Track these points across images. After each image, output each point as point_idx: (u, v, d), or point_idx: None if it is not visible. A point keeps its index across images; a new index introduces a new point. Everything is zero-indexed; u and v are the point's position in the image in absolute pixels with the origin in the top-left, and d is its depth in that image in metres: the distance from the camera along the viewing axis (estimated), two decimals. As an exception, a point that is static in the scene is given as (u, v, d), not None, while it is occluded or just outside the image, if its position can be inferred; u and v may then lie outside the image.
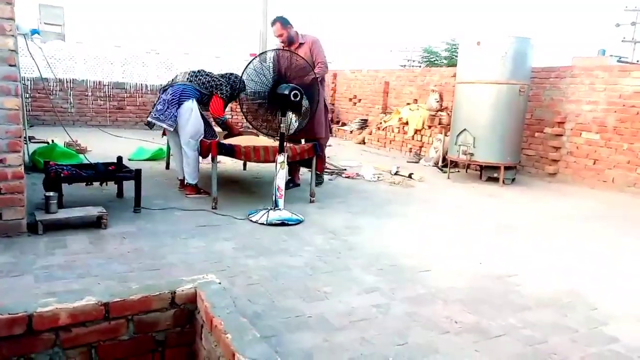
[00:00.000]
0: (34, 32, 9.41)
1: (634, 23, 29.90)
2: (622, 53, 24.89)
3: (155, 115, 4.42)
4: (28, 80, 8.71)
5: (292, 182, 5.11)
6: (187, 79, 4.45)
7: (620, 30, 30.75)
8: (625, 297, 2.80)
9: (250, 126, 4.46)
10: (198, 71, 4.55)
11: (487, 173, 6.34)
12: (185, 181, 4.55)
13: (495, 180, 6.16)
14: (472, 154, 6.11)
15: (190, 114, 4.31)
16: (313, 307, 2.42)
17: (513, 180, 6.29)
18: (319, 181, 5.25)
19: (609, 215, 4.83)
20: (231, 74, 4.69)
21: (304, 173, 5.28)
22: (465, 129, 6.19)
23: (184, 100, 4.32)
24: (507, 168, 6.15)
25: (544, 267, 3.24)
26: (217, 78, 4.53)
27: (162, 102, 4.39)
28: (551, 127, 6.79)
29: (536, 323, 2.40)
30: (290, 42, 4.97)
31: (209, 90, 4.44)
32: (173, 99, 4.32)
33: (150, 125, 4.54)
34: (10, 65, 2.98)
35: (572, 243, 3.81)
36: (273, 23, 4.97)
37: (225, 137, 4.86)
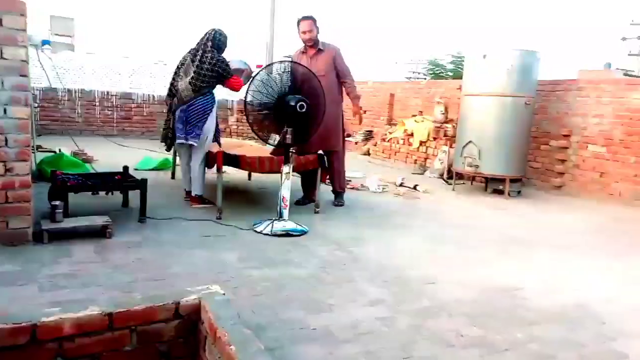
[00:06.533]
0: (45, 42, 9.55)
1: (640, 37, 29.91)
2: (628, 67, 24.86)
3: (181, 135, 4.43)
4: (37, 90, 8.81)
5: (307, 198, 4.97)
6: (192, 89, 4.30)
7: (626, 44, 30.66)
8: (634, 313, 2.76)
9: (256, 136, 4.48)
10: (194, 78, 4.31)
11: (493, 185, 6.32)
12: (193, 192, 4.56)
13: (501, 192, 6.13)
14: (477, 166, 6.10)
15: (211, 126, 4.46)
16: (317, 319, 2.40)
17: (519, 193, 6.26)
18: (340, 202, 5.01)
19: (616, 229, 4.78)
20: (207, 51, 4.37)
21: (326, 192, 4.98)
22: (470, 141, 6.18)
23: (209, 114, 4.40)
24: (512, 181, 6.12)
25: (551, 281, 3.20)
26: (211, 71, 4.33)
27: (179, 120, 4.39)
28: (557, 140, 6.77)
29: (543, 338, 2.37)
30: (313, 44, 4.80)
31: (218, 82, 4.43)
32: (197, 118, 4.34)
33: (171, 147, 4.75)
34: (22, 76, 3.02)
35: (579, 257, 3.77)
36: (306, 18, 4.71)
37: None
